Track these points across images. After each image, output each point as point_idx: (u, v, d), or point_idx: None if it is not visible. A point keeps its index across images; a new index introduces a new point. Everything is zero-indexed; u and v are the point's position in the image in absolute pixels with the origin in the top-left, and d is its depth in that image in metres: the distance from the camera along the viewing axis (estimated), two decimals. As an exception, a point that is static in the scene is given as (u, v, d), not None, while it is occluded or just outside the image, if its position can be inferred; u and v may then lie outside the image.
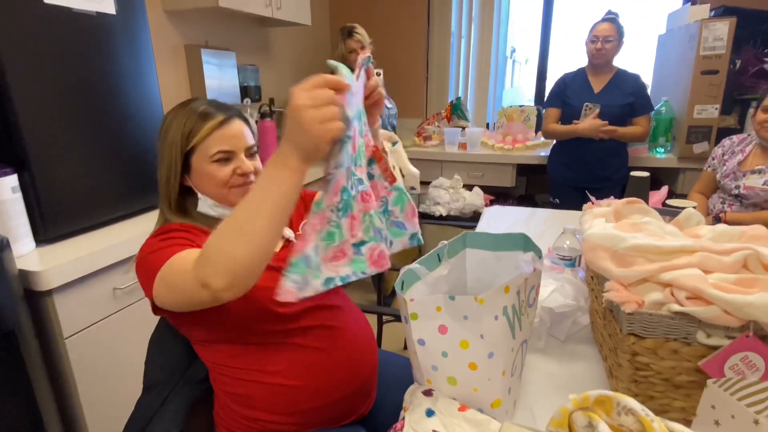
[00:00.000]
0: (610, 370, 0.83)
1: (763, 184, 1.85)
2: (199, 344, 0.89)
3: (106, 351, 1.32)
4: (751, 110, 2.47)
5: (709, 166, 2.12)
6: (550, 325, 0.95)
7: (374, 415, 0.97)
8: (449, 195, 2.60)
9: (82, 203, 1.37)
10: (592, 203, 1.08)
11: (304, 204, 1.07)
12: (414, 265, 0.84)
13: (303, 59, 3.20)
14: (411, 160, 2.99)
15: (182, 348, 0.97)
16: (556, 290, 0.96)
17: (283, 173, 0.61)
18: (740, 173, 1.94)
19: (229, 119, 0.87)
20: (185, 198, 0.91)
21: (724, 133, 2.35)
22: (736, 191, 1.93)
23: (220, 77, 2.34)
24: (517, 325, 0.73)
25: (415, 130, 3.25)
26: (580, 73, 2.42)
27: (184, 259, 0.72)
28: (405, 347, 2.00)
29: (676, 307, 0.65)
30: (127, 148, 1.50)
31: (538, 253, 0.82)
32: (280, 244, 0.96)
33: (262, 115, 2.49)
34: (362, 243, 0.71)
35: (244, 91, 2.52)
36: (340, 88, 0.59)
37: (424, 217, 2.60)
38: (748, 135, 2.04)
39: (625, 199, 0.92)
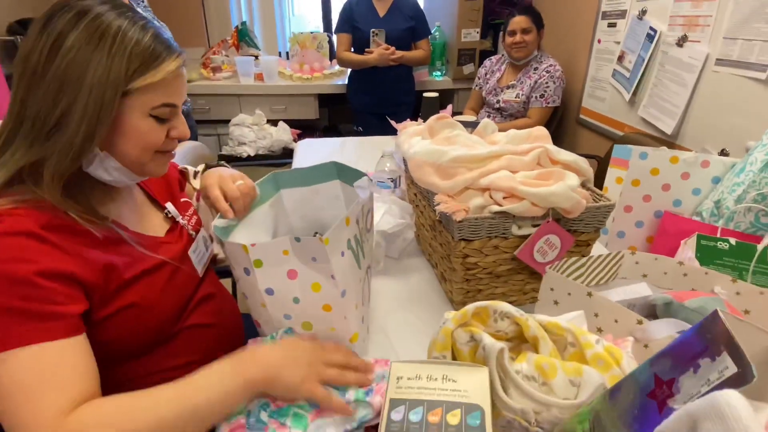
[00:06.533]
0: (441, 275, 0.91)
1: (515, 97, 2.23)
2: None
3: None
4: (501, 33, 2.92)
5: (476, 85, 2.45)
6: (386, 246, 0.98)
7: None
8: (254, 133, 2.41)
9: None
10: (396, 126, 1.12)
11: (178, 182, 0.89)
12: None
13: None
14: (201, 96, 2.65)
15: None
16: (387, 212, 0.98)
17: (237, 379, 0.55)
18: (499, 89, 2.30)
19: (183, 63, 0.63)
20: None
21: (484, 55, 2.72)
22: (497, 105, 2.29)
23: None
24: (360, 255, 0.72)
25: (200, 60, 2.84)
26: (365, -3, 2.43)
27: (40, 390, 0.49)
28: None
29: (496, 208, 0.72)
30: None
31: (359, 176, 0.80)
32: (167, 227, 0.77)
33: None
34: None
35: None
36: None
37: (231, 160, 2.37)
38: (502, 56, 2.40)
39: (436, 116, 0.97)
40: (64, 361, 0.51)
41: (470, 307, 0.47)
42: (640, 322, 0.51)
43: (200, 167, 0.92)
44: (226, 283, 0.96)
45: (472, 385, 0.42)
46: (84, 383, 0.52)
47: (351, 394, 0.60)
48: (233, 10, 3.05)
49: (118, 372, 0.65)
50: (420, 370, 0.43)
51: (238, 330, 0.86)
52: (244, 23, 2.95)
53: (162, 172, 0.69)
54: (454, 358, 0.48)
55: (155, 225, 0.75)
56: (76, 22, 0.55)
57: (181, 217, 0.80)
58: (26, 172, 0.57)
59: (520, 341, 0.49)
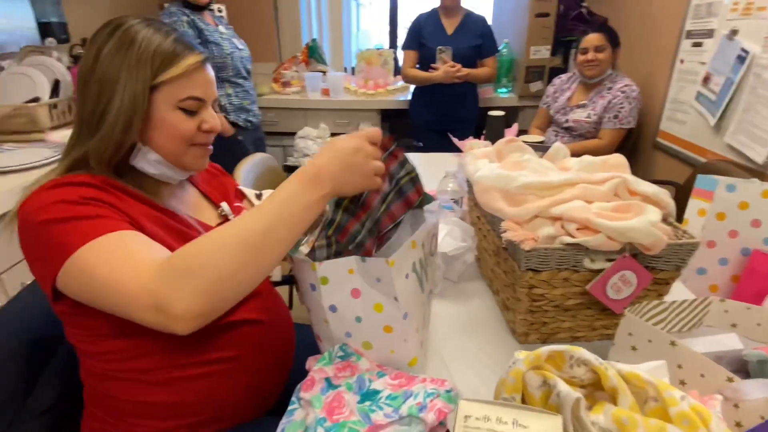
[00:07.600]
0: (503, 304, 0.89)
1: (586, 117, 2.14)
2: (102, 338, 0.67)
3: None
4: (573, 51, 2.82)
5: (544, 104, 2.38)
6: (445, 268, 0.97)
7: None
8: (317, 145, 2.49)
9: None
10: (459, 143, 1.10)
11: (235, 193, 0.94)
12: None
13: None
14: (271, 109, 2.78)
15: (16, 368, 0.75)
16: (448, 234, 0.97)
17: (312, 197, 0.60)
18: (569, 108, 2.22)
19: (206, 61, 0.72)
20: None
21: (554, 72, 2.64)
22: (566, 124, 2.21)
23: (5, 12, 1.79)
24: (424, 278, 0.72)
25: (272, 75, 2.99)
26: (433, 15, 2.44)
27: (131, 253, 0.57)
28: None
29: (568, 239, 0.69)
30: None
31: (427, 200, 0.79)
32: (219, 221, 0.83)
33: (75, 59, 2.01)
34: None
35: (44, 30, 1.98)
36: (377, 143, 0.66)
37: (293, 171, 2.44)
38: (573, 74, 2.31)
39: (505, 139, 0.95)
40: (141, 238, 0.60)
41: (544, 350, 0.45)
42: (731, 380, 0.46)
43: (264, 192, 0.96)
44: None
45: (544, 433, 0.40)
46: (166, 251, 0.59)
47: (404, 409, 0.59)
48: (304, 27, 3.18)
49: (166, 358, 0.67)
50: (489, 411, 0.42)
51: (288, 330, 0.86)
52: (314, 41, 3.07)
53: (202, 166, 0.75)
54: (523, 400, 0.46)
55: (208, 218, 0.80)
56: (112, 34, 0.67)
57: (234, 216, 0.84)
58: (79, 163, 0.67)
59: (595, 389, 0.46)
